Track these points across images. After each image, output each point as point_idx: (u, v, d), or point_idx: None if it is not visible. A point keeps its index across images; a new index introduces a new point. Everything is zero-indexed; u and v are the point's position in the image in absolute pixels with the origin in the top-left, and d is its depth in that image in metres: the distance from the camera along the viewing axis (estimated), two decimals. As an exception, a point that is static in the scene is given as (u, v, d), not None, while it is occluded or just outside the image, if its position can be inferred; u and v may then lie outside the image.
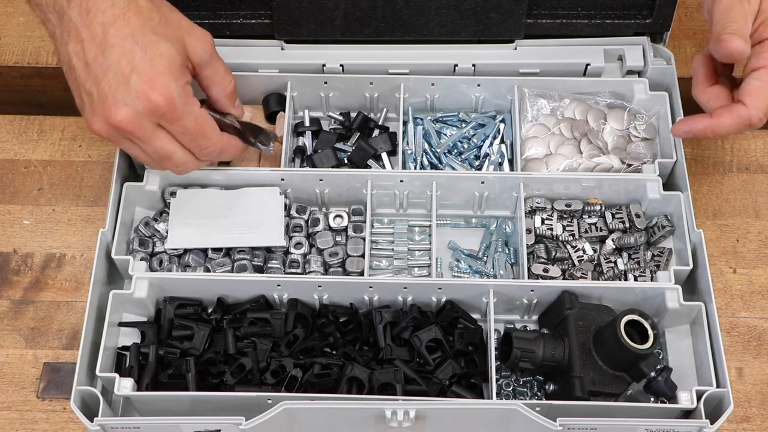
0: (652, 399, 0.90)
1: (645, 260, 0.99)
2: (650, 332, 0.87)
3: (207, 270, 0.98)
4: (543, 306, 0.97)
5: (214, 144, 0.92)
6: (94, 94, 0.86)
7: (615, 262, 0.99)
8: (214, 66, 0.94)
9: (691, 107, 1.05)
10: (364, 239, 1.00)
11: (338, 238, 1.01)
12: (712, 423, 0.86)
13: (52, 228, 1.07)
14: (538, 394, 0.95)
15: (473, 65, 1.09)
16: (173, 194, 1.01)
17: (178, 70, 0.87)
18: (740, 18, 0.90)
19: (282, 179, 1.01)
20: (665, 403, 0.91)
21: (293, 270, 0.99)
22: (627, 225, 1.01)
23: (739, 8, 0.91)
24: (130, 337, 0.96)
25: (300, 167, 1.07)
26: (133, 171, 1.05)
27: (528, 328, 0.99)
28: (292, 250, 1.00)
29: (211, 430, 0.87)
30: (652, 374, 0.88)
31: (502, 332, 0.96)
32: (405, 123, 1.08)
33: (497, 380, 0.92)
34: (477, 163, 1.07)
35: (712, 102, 0.95)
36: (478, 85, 1.08)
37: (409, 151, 1.07)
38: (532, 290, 0.94)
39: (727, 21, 0.90)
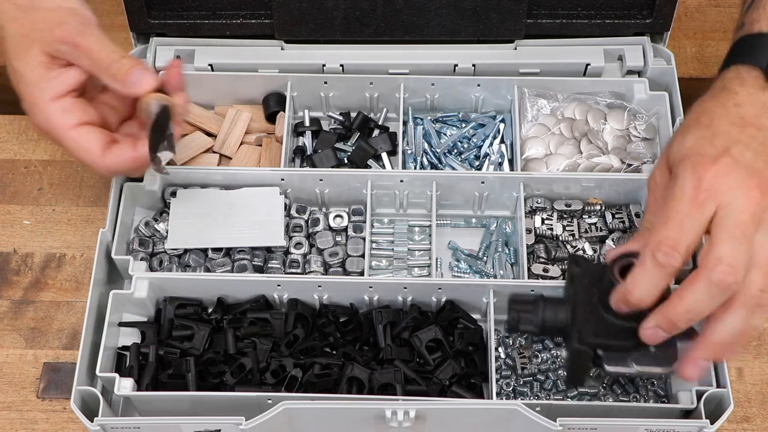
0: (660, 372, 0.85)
1: (645, 260, 0.99)
2: None
3: (207, 270, 0.98)
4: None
5: (98, 168, 0.88)
6: None
7: (615, 262, 0.99)
8: (76, 48, 0.86)
9: (690, 107, 1.05)
10: (364, 239, 1.00)
11: (338, 238, 1.01)
12: (712, 423, 0.86)
13: (52, 228, 1.07)
14: (539, 394, 0.95)
15: (473, 65, 1.09)
16: (173, 194, 1.01)
17: (38, 88, 0.86)
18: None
19: (282, 179, 1.01)
20: (666, 400, 0.91)
21: (293, 270, 0.99)
22: (627, 225, 1.01)
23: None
24: (130, 337, 0.96)
25: (300, 167, 1.07)
26: (133, 171, 1.04)
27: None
28: (292, 250, 1.00)
29: (211, 430, 0.87)
30: None
31: (502, 331, 0.97)
32: (405, 123, 1.08)
33: (497, 380, 0.92)
34: (477, 163, 1.07)
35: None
36: (478, 85, 1.08)
37: (409, 151, 1.07)
38: (532, 290, 0.94)
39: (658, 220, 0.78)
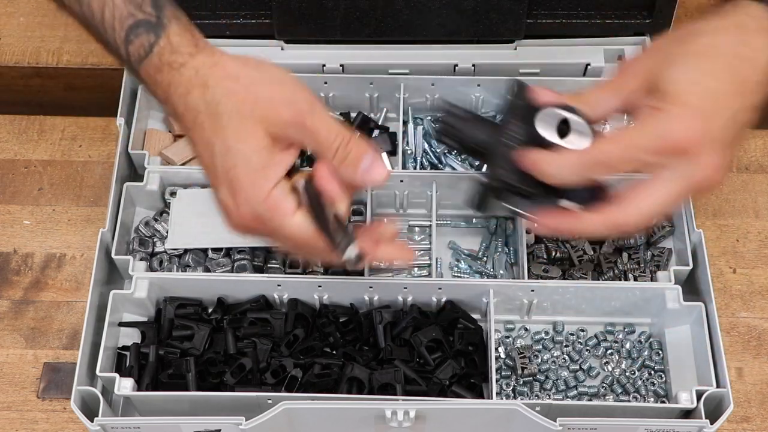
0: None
1: (645, 260, 0.99)
2: (576, 129, 0.76)
3: (207, 270, 0.98)
4: (543, 306, 0.97)
5: (329, 257, 0.79)
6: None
7: (615, 262, 0.99)
8: (303, 130, 0.75)
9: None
10: (364, 239, 0.99)
11: (338, 238, 1.01)
12: (712, 423, 0.86)
13: (52, 228, 1.07)
14: (539, 394, 0.95)
15: (473, 65, 1.08)
16: (173, 194, 1.01)
17: (262, 175, 0.75)
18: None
19: (282, 179, 1.01)
20: (666, 400, 0.91)
21: (293, 270, 0.99)
22: (627, 225, 1.01)
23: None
24: (130, 337, 0.96)
25: (300, 167, 1.07)
26: (133, 171, 1.04)
27: (527, 328, 0.99)
28: (292, 250, 1.00)
29: (211, 430, 0.87)
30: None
31: (502, 331, 0.97)
32: (405, 123, 1.08)
33: (497, 380, 0.92)
34: (477, 163, 1.07)
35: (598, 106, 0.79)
36: (478, 85, 1.08)
37: (409, 151, 1.07)
38: (532, 290, 0.94)
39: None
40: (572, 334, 0.98)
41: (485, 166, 0.83)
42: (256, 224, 0.77)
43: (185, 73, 0.75)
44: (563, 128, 0.76)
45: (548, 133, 0.76)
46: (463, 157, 1.07)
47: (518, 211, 0.79)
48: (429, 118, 1.10)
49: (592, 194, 0.77)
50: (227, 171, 0.75)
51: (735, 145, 0.75)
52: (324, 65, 1.08)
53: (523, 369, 0.95)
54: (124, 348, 0.95)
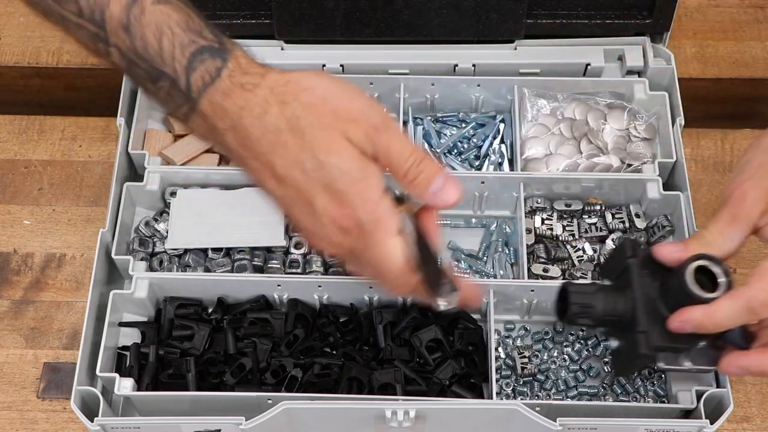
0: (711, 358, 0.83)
1: (645, 260, 0.99)
2: (722, 278, 0.77)
3: (207, 270, 0.98)
4: (543, 306, 0.97)
5: (392, 285, 0.77)
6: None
7: (615, 262, 0.99)
8: (376, 145, 0.73)
9: (691, 107, 1.05)
10: (364, 239, 0.99)
11: (338, 238, 1.01)
12: (712, 423, 0.86)
13: (52, 228, 1.07)
14: (539, 394, 0.95)
15: (473, 65, 1.09)
16: (173, 194, 1.01)
17: (367, 184, 0.72)
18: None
19: (282, 179, 1.01)
20: (666, 400, 0.91)
21: (293, 270, 0.99)
22: (627, 225, 1.01)
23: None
24: (130, 337, 0.96)
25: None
26: (133, 171, 1.04)
27: (527, 328, 0.99)
28: (292, 250, 1.00)
29: (211, 430, 0.87)
30: None
31: (502, 331, 0.97)
32: (405, 123, 1.08)
33: (497, 380, 0.92)
34: (477, 163, 1.07)
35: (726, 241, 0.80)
36: (478, 85, 1.08)
37: (409, 151, 1.07)
38: (532, 290, 0.94)
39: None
40: (572, 334, 0.98)
41: (618, 334, 0.84)
42: (355, 234, 0.73)
43: (260, 93, 0.72)
44: (705, 279, 0.77)
45: (699, 290, 0.76)
46: (463, 157, 1.07)
47: (685, 368, 0.81)
48: (429, 118, 1.10)
49: (741, 331, 0.79)
50: (327, 185, 0.72)
51: None
52: (324, 65, 1.08)
53: (523, 369, 0.95)
54: (124, 348, 0.95)
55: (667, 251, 0.79)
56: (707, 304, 0.76)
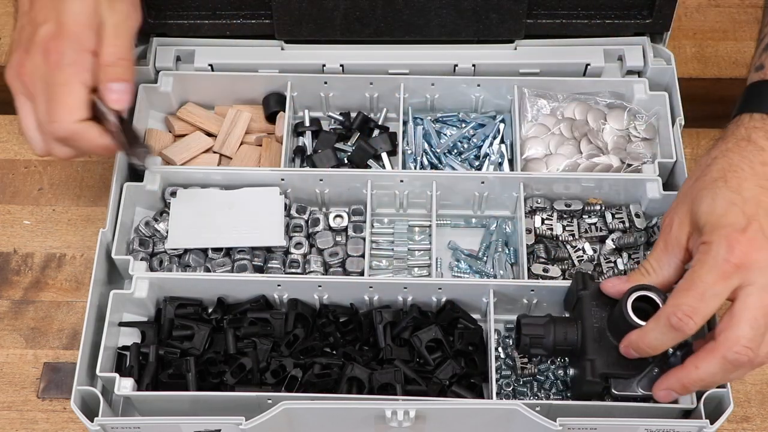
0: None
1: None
2: (662, 306, 0.82)
3: (207, 270, 0.98)
4: (543, 306, 0.97)
5: (62, 125, 0.87)
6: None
7: (615, 262, 0.99)
8: (103, 30, 0.87)
9: (690, 107, 1.05)
10: (364, 239, 1.00)
11: (338, 238, 1.01)
12: (712, 423, 0.86)
13: (53, 228, 1.07)
14: (539, 394, 0.95)
15: (473, 65, 1.09)
16: (173, 194, 1.01)
17: (81, 30, 0.85)
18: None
19: (282, 179, 1.01)
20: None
21: (293, 270, 0.99)
22: (627, 225, 1.01)
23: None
24: (130, 337, 0.96)
25: (300, 167, 1.07)
26: (133, 171, 1.04)
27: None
28: (292, 250, 1.00)
29: (211, 430, 0.87)
30: (669, 350, 0.85)
31: (502, 331, 0.97)
32: (405, 123, 1.08)
33: (497, 380, 0.92)
34: (477, 163, 1.07)
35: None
36: (478, 85, 1.08)
37: (409, 151, 1.07)
38: (532, 290, 0.94)
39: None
40: (572, 334, 0.98)
41: (573, 362, 0.92)
42: (48, 64, 0.86)
43: None
44: (651, 308, 0.83)
45: (635, 318, 0.83)
46: (463, 157, 1.07)
47: (638, 394, 0.86)
48: (429, 118, 1.10)
49: (681, 347, 0.85)
50: (58, 19, 0.85)
51: None
52: (324, 65, 1.08)
53: (523, 369, 0.95)
54: (124, 348, 0.95)
55: (611, 284, 0.87)
56: (641, 327, 0.82)
